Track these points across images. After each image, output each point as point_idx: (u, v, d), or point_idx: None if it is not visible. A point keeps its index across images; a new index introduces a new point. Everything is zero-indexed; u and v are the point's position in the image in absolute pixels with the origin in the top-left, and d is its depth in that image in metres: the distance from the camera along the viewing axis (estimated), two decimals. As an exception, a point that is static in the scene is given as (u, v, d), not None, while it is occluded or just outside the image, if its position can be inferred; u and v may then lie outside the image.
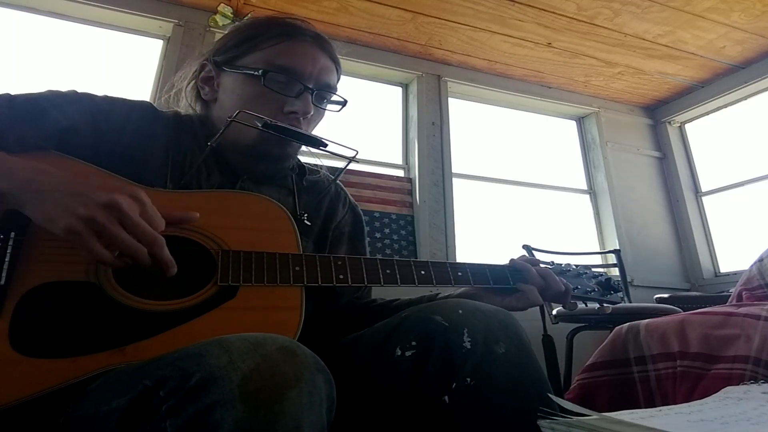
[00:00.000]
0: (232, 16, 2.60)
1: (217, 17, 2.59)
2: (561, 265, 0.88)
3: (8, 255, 0.56)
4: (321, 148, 0.76)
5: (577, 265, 0.90)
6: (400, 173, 2.90)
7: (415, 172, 2.83)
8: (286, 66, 0.75)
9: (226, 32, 0.82)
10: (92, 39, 2.57)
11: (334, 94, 0.82)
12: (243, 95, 0.75)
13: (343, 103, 0.83)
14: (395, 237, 2.64)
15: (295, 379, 0.42)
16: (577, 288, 0.85)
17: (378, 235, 2.59)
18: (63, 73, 2.45)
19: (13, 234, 0.57)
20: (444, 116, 2.98)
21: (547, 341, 1.76)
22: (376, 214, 2.63)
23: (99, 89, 0.75)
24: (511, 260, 0.83)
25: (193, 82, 0.82)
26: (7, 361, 0.51)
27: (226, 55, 0.78)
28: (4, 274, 0.55)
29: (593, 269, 0.90)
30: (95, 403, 0.49)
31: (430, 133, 2.91)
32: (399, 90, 3.12)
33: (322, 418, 0.45)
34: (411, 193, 2.81)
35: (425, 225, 2.68)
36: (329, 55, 0.80)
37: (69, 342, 0.54)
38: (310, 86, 0.76)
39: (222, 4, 2.58)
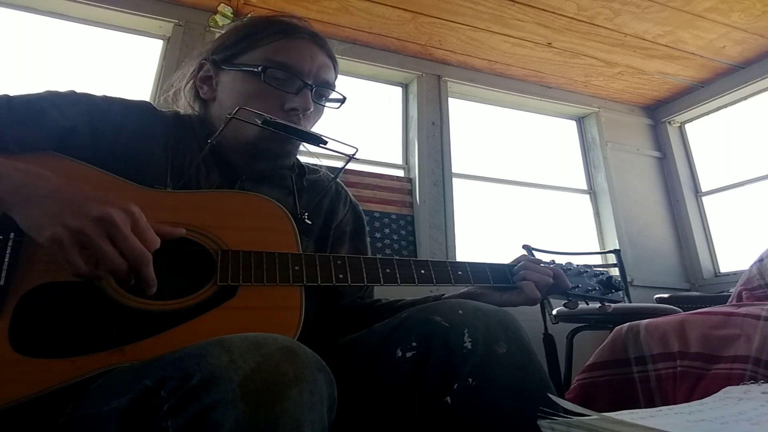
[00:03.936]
0: (232, 16, 2.60)
1: (217, 17, 2.59)
2: (562, 264, 0.87)
3: (8, 256, 0.56)
4: (321, 145, 0.76)
5: (578, 264, 0.89)
6: (400, 173, 2.90)
7: (415, 172, 2.83)
8: (285, 62, 0.75)
9: (224, 32, 0.82)
10: (92, 39, 2.57)
11: (333, 91, 0.82)
12: (243, 92, 0.75)
13: (342, 100, 0.83)
14: (395, 237, 2.64)
15: (295, 378, 0.42)
16: (578, 287, 0.84)
17: (378, 235, 2.59)
18: (63, 73, 2.45)
19: (12, 235, 0.57)
20: (444, 116, 2.98)
21: (548, 340, 1.76)
22: (376, 214, 2.63)
23: (99, 89, 0.75)
24: (515, 259, 0.83)
25: (192, 81, 0.82)
26: (7, 361, 0.51)
27: (224, 53, 0.78)
28: (3, 275, 0.55)
29: (594, 268, 0.90)
30: (95, 403, 0.49)
31: (430, 133, 2.91)
32: (399, 90, 3.12)
33: (323, 418, 0.45)
34: (411, 193, 2.81)
35: (425, 225, 2.68)
36: (327, 52, 0.80)
37: (68, 342, 0.54)
38: (310, 83, 0.76)
39: (222, 4, 2.58)
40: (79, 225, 0.51)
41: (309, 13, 2.63)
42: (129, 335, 0.56)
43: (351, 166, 0.85)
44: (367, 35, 2.83)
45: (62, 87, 0.72)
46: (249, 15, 2.60)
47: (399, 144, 3.00)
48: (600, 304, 0.88)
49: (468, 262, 0.78)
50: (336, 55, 0.83)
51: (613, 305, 0.88)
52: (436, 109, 2.98)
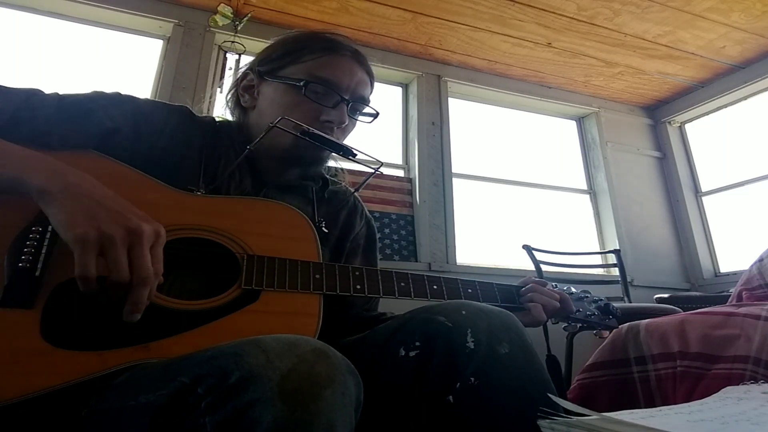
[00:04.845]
0: (232, 16, 2.60)
1: (217, 17, 2.59)
2: (564, 288, 0.91)
3: (45, 247, 0.57)
4: (350, 157, 0.80)
5: (578, 289, 0.93)
6: (400, 173, 2.90)
7: (415, 172, 2.83)
8: (326, 78, 0.78)
9: (270, 43, 0.86)
10: (92, 39, 2.57)
11: (368, 106, 0.86)
12: (282, 103, 0.78)
13: (375, 115, 0.88)
14: (395, 237, 2.64)
15: (329, 379, 0.44)
16: (578, 311, 0.89)
17: (378, 235, 2.59)
18: (63, 73, 2.45)
19: (50, 226, 0.58)
20: (444, 116, 2.98)
21: (552, 361, 1.74)
22: (376, 214, 2.63)
23: (99, 89, 0.75)
24: (521, 281, 0.86)
25: (234, 89, 0.86)
26: (38, 351, 0.52)
27: (269, 65, 0.82)
28: (39, 266, 0.56)
29: (593, 294, 0.94)
30: (120, 398, 0.49)
31: (430, 133, 2.91)
32: (399, 90, 3.12)
33: (352, 419, 0.46)
34: (411, 193, 2.81)
35: (425, 225, 2.68)
36: (366, 69, 0.84)
37: (96, 335, 0.55)
38: (347, 98, 0.80)
39: (222, 4, 2.58)
40: (112, 231, 0.52)
41: (309, 12, 2.63)
42: (154, 332, 0.57)
43: (351, 165, 0.89)
44: (367, 35, 2.83)
45: (63, 88, 0.73)
46: (249, 15, 2.61)
47: (399, 144, 3.00)
48: (596, 330, 0.93)
49: (477, 281, 0.81)
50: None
51: (608, 332, 0.92)
52: (436, 109, 2.98)
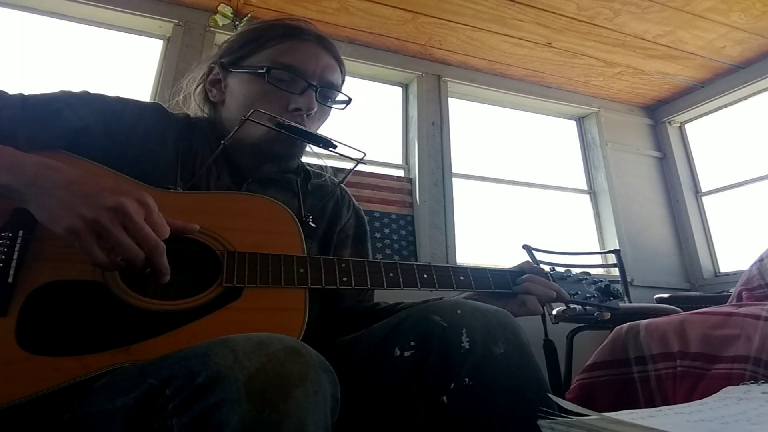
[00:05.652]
0: (232, 16, 2.60)
1: (217, 17, 2.59)
2: (561, 271, 0.88)
3: (16, 253, 0.56)
4: (330, 149, 0.77)
5: (577, 271, 0.90)
6: (400, 173, 2.90)
7: (415, 172, 2.83)
8: (289, 64, 0.76)
9: (232, 35, 0.84)
10: (92, 39, 2.57)
11: (339, 92, 0.82)
12: (248, 94, 0.76)
13: (347, 102, 0.84)
14: (395, 237, 2.64)
15: (300, 378, 0.43)
16: (577, 293, 0.85)
17: (378, 235, 2.59)
18: (63, 73, 2.45)
19: (21, 232, 0.57)
20: (444, 116, 2.98)
21: (549, 346, 1.75)
22: (376, 214, 2.63)
23: (99, 89, 0.75)
24: (517, 266, 0.84)
25: (202, 85, 0.84)
26: (15, 359, 0.51)
27: (231, 56, 0.80)
28: (11, 272, 0.55)
29: (593, 275, 0.90)
30: (100, 402, 0.49)
31: (430, 133, 2.91)
32: (399, 90, 3.12)
33: (327, 418, 0.45)
34: (411, 193, 2.81)
35: (425, 225, 2.68)
36: (332, 54, 0.81)
37: (75, 340, 0.54)
38: (314, 83, 0.77)
39: (222, 4, 2.58)
40: (93, 215, 0.51)
41: (309, 13, 2.63)
42: (134, 335, 0.56)
43: (342, 163, 0.86)
44: (367, 35, 2.83)
45: (62, 87, 0.72)
46: (249, 15, 2.60)
47: (399, 144, 3.00)
48: (597, 311, 0.89)
49: (470, 267, 0.79)
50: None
51: (609, 313, 0.89)
52: (436, 109, 2.98)
